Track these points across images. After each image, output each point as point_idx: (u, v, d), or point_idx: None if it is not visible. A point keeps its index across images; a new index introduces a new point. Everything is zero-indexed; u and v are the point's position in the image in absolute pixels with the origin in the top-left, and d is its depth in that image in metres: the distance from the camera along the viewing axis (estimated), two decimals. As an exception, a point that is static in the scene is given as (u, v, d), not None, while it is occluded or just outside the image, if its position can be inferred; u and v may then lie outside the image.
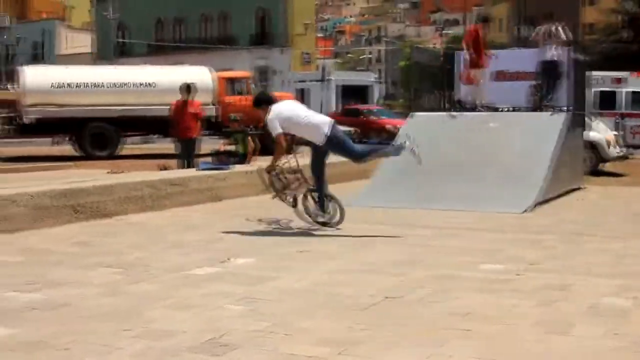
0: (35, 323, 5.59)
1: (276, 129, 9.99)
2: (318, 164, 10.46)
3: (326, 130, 10.06)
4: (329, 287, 6.74)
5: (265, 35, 77.26)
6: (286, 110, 10.28)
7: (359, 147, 11.24)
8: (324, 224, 10.30)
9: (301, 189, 10.56)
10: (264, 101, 10.60)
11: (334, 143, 10.17)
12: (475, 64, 16.55)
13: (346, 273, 7.36)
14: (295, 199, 10.48)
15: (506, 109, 16.83)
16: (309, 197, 10.53)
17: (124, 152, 27.06)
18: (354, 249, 8.76)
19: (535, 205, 12.56)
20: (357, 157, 10.75)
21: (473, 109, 16.63)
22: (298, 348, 5.00)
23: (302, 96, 56.46)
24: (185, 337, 5.23)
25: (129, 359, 4.82)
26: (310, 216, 10.45)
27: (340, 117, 34.72)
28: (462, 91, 17.27)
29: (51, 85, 25.84)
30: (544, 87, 16.11)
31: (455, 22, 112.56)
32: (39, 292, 6.54)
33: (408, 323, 5.56)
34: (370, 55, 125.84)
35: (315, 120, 10.27)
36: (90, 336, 5.24)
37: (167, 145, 27.88)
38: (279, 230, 10.31)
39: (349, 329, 5.42)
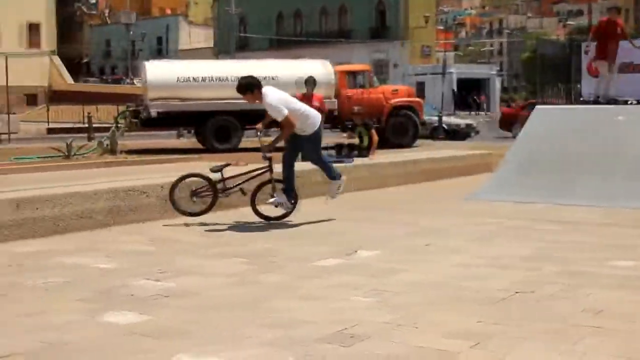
0: (167, 310, 5.72)
1: (283, 110, 9.87)
2: (294, 156, 10.58)
3: (318, 124, 10.15)
4: (456, 280, 6.68)
5: (384, 29, 77.17)
6: (282, 95, 10.24)
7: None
8: (281, 217, 10.32)
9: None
10: (256, 86, 10.12)
11: (315, 140, 10.25)
12: (600, 56, 16.16)
13: (473, 267, 7.29)
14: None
15: (635, 102, 16.37)
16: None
17: (244, 145, 27.40)
18: (480, 243, 8.66)
19: (665, 200, 12.17)
20: (324, 162, 10.80)
21: (597, 102, 16.24)
22: (428, 340, 4.97)
23: (421, 89, 56.28)
24: (313, 327, 5.27)
25: (259, 347, 4.87)
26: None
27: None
28: (587, 84, 16.88)
29: (176, 80, 26.31)
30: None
31: (579, 13, 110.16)
32: (170, 281, 6.69)
33: (539, 319, 5.46)
34: (491, 48, 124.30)
35: (312, 112, 10.32)
36: (220, 325, 5.34)
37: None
38: (402, 223, 10.26)
39: (479, 323, 5.36)
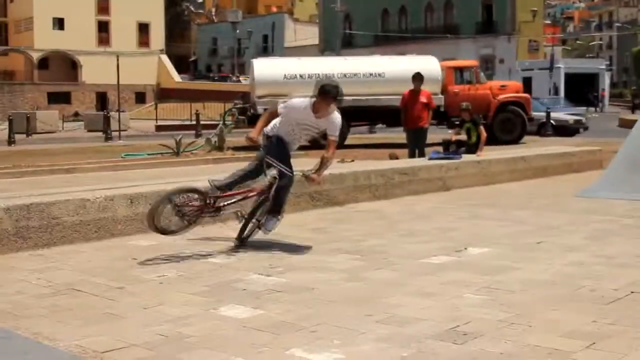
0: (280, 305, 5.78)
1: None
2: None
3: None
4: (570, 279, 6.57)
5: (490, 23, 76.32)
6: None
7: None
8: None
9: None
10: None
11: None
12: None
13: (587, 266, 7.15)
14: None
15: None
16: None
17: (352, 142, 27.47)
18: (594, 241, 8.48)
19: None
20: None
21: None
22: (543, 339, 4.90)
23: (528, 85, 55.49)
24: (426, 324, 5.25)
25: (373, 343, 4.89)
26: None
27: None
28: None
29: (283, 77, 26.55)
30: None
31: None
32: (282, 276, 6.76)
33: (658, 319, 5.34)
34: (600, 42, 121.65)
35: None
36: (334, 320, 5.37)
37: (394, 135, 28.13)
38: (512, 220, 10.12)
39: (594, 323, 5.26)
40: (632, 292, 6.08)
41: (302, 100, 8.49)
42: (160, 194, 8.23)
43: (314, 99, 8.32)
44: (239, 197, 8.23)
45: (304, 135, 8.67)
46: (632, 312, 5.54)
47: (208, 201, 7.99)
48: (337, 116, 8.52)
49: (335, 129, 8.46)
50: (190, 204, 7.91)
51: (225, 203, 8.13)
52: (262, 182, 8.39)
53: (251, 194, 8.31)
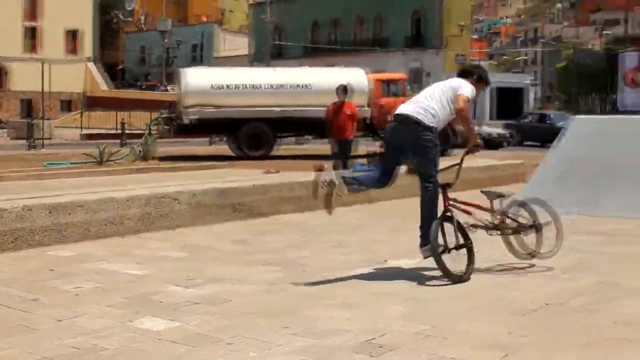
0: (197, 317, 5.73)
1: None
2: None
3: None
4: (490, 290, 6.64)
5: (419, 37, 77.08)
6: None
7: None
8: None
9: None
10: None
11: None
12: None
13: (508, 277, 7.24)
14: None
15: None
16: None
17: (279, 153, 27.45)
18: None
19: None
20: None
21: (636, 112, 16.17)
22: (458, 351, 4.93)
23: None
24: (344, 336, 5.25)
25: (289, 355, 4.87)
26: None
27: None
28: (625, 94, 16.77)
29: (211, 87, 26.42)
30: None
31: (616, 23, 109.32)
32: (201, 288, 6.70)
33: (569, 331, 5.41)
34: (526, 57, 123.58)
35: None
36: (251, 332, 5.33)
37: (321, 146, 28.17)
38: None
39: (509, 334, 5.31)
40: (546, 304, 6.16)
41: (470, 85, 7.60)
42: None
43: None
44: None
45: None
46: (546, 323, 5.61)
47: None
48: None
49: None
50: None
51: None
52: None
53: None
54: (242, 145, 26.56)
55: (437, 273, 7.25)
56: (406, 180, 13.29)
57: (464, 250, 7.27)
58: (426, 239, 7.23)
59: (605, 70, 17.12)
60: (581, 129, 14.65)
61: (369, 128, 26.57)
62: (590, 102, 16.77)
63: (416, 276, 7.21)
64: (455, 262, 7.13)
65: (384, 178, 7.62)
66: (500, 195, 7.96)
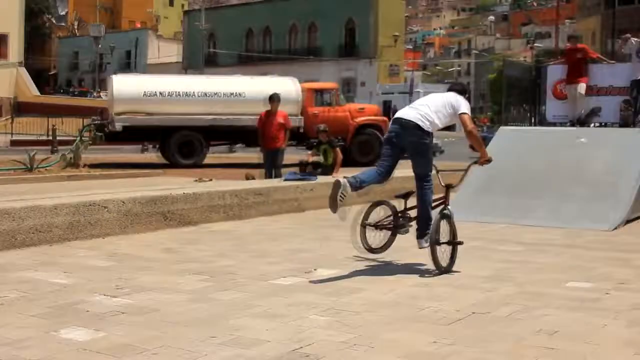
0: (123, 327, 5.69)
1: None
2: None
3: None
4: (414, 300, 6.70)
5: (352, 47, 77.58)
6: None
7: None
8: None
9: None
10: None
11: None
12: (566, 79, 16.58)
13: (432, 287, 7.32)
14: None
15: (597, 125, 16.58)
16: None
17: (210, 161, 27.38)
18: (440, 263, 8.68)
19: (624, 223, 12.31)
20: None
21: (562, 124, 16.51)
22: (383, 361, 4.98)
23: (387, 108, 56.54)
24: (269, 346, 5.26)
25: (215, 366, 4.87)
26: None
27: None
28: (552, 106, 17.09)
29: (143, 94, 26.28)
30: (637, 103, 15.78)
31: (547, 35, 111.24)
32: (127, 297, 6.66)
33: (494, 339, 5.50)
34: (458, 68, 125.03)
35: None
36: (177, 342, 5.31)
37: (252, 155, 28.16)
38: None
39: (434, 343, 5.38)
40: (472, 313, 6.25)
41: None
42: None
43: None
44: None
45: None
46: (472, 332, 5.69)
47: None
48: None
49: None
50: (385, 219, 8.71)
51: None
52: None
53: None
54: (174, 153, 26.48)
55: (361, 283, 7.33)
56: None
57: (449, 247, 8.16)
58: (424, 231, 8.16)
59: (534, 82, 17.43)
60: (507, 139, 14.90)
61: (301, 137, 26.66)
62: (522, 112, 17.03)
63: (340, 286, 7.26)
64: (442, 255, 8.03)
65: (385, 175, 8.27)
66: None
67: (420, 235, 8.22)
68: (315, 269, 8.10)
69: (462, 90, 8.68)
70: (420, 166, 8.39)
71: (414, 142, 8.20)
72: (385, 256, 8.95)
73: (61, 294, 6.76)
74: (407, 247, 9.77)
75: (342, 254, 9.18)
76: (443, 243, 8.07)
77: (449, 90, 8.67)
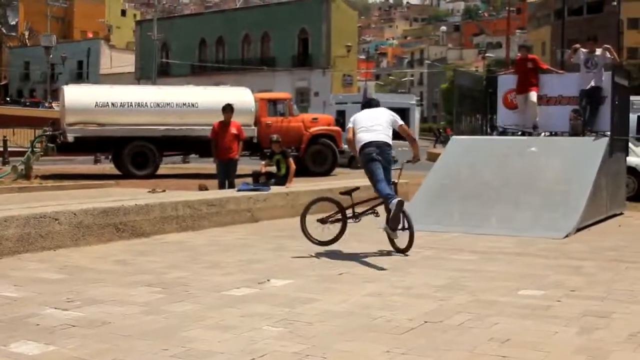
0: (75, 340, 5.63)
1: None
2: None
3: None
4: (368, 310, 6.71)
5: (306, 57, 77.63)
6: None
7: None
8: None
9: None
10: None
11: None
12: (516, 89, 16.76)
13: (386, 296, 7.33)
14: None
15: (547, 134, 16.76)
16: None
17: (164, 172, 27.26)
18: (394, 273, 8.72)
19: (575, 231, 12.45)
20: None
21: (513, 133, 16.69)
22: (336, 371, 4.98)
23: (342, 117, 56.65)
24: (222, 357, 5.24)
25: (167, 378, 4.84)
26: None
27: None
28: (503, 115, 17.25)
29: (95, 105, 26.09)
30: (586, 112, 15.98)
31: (498, 45, 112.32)
32: (79, 310, 6.60)
33: (447, 348, 5.52)
34: (411, 78, 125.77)
35: None
36: (129, 355, 5.27)
37: (206, 165, 28.08)
38: (316, 252, 10.27)
39: (387, 353, 5.39)
40: (425, 322, 6.28)
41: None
42: None
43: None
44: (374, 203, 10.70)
45: None
46: (424, 341, 5.71)
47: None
48: None
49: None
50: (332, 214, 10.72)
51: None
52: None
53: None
54: (127, 164, 26.32)
55: (314, 294, 7.35)
56: (284, 201, 13.44)
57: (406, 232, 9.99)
58: (396, 226, 9.97)
59: (486, 92, 17.58)
60: (459, 149, 15.02)
61: (255, 147, 26.63)
62: (474, 122, 17.15)
63: (294, 296, 7.26)
64: (399, 239, 10.04)
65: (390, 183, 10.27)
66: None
67: (393, 228, 9.96)
68: (268, 280, 8.09)
69: (379, 104, 10.88)
70: (390, 174, 10.27)
71: (388, 157, 10.17)
72: (339, 266, 8.98)
73: (11, 307, 6.68)
74: (360, 255, 9.84)
75: (296, 265, 9.19)
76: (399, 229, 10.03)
77: (376, 106, 10.76)
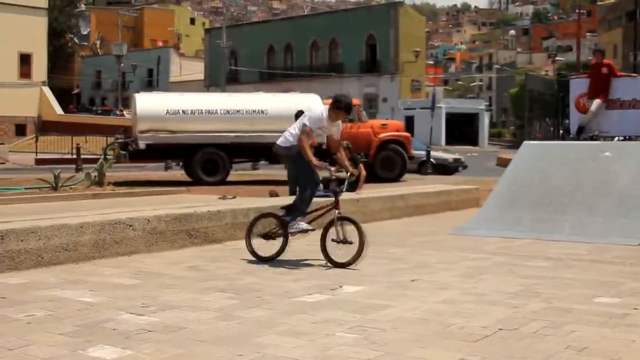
0: (150, 345, 5.69)
1: None
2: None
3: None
4: (441, 317, 6.67)
5: (374, 63, 77.69)
6: None
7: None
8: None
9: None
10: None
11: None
12: (589, 94, 16.52)
13: (459, 303, 7.28)
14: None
15: (621, 138, 16.50)
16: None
17: (234, 178, 27.44)
18: (467, 279, 8.66)
19: (651, 237, 12.21)
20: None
21: (585, 138, 16.46)
22: (411, 378, 4.96)
23: (411, 123, 56.53)
24: (298, 363, 5.26)
25: (243, 384, 4.86)
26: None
27: None
28: (576, 120, 17.02)
29: (166, 112, 26.38)
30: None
31: (568, 49, 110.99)
32: (154, 315, 6.67)
33: (522, 356, 5.46)
34: (480, 83, 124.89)
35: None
36: (205, 360, 5.32)
37: (276, 172, 28.20)
38: (389, 258, 10.26)
39: (462, 360, 5.36)
40: (500, 329, 6.22)
41: (320, 111, 9.97)
42: None
43: (328, 108, 9.84)
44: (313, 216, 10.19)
45: (317, 137, 10.16)
46: (499, 348, 5.65)
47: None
48: (339, 122, 10.11)
49: (339, 131, 10.24)
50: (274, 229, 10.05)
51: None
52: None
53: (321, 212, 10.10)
54: (198, 171, 26.54)
55: (387, 300, 7.33)
56: (355, 207, 13.42)
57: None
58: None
59: (557, 96, 17.33)
60: (532, 154, 14.85)
61: (325, 153, 26.64)
62: (545, 126, 16.96)
63: (367, 303, 7.24)
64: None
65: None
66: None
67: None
68: (341, 286, 8.09)
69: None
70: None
71: None
72: (411, 272, 8.95)
73: (88, 312, 6.78)
74: (432, 263, 9.78)
75: (368, 271, 9.17)
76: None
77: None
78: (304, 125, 9.67)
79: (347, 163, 10.23)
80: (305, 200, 9.98)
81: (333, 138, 10.17)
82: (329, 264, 9.47)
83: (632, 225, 12.39)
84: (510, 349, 5.63)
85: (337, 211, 9.71)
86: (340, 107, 9.75)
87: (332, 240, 9.48)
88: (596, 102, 16.27)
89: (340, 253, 9.40)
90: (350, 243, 9.35)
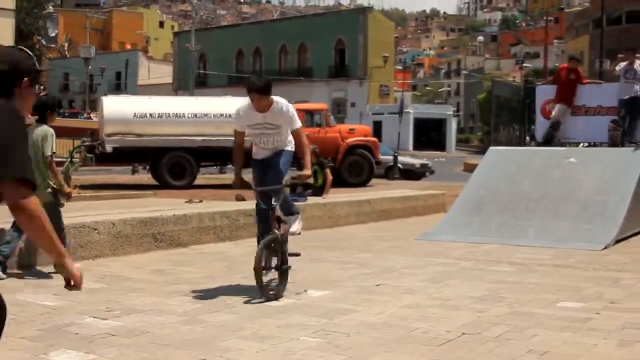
0: (114, 349, 5.67)
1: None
2: None
3: None
4: (406, 321, 6.69)
5: (343, 68, 77.75)
6: None
7: None
8: None
9: None
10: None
11: None
12: (555, 99, 16.64)
13: (424, 308, 7.31)
14: None
15: (586, 145, 16.65)
16: None
17: (201, 182, 27.36)
18: (432, 284, 8.69)
19: (614, 242, 12.33)
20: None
21: (547, 143, 16.57)
22: (374, 382, 4.97)
23: (379, 128, 56.68)
24: (261, 368, 5.25)
25: (206, 388, 4.85)
26: None
27: None
28: (542, 126, 17.14)
29: (133, 115, 26.26)
30: (625, 122, 15.84)
31: (536, 56, 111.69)
32: (118, 319, 6.64)
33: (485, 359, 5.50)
34: (448, 88, 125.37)
35: None
36: (167, 364, 5.30)
37: (243, 176, 28.11)
38: (354, 263, 10.28)
39: (425, 364, 5.38)
40: (463, 334, 6.24)
41: (243, 104, 8.18)
42: None
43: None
44: None
45: (266, 140, 8.28)
46: (462, 352, 5.68)
47: None
48: (281, 105, 8.08)
49: (290, 120, 8.12)
50: None
51: None
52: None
53: None
54: (165, 175, 26.44)
55: (352, 305, 7.34)
56: (321, 211, 13.43)
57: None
58: None
59: (523, 102, 17.44)
60: (497, 160, 14.95)
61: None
62: (511, 132, 17.05)
63: (332, 307, 7.25)
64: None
65: None
66: None
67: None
68: (306, 290, 8.09)
69: None
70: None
71: None
72: (376, 277, 8.97)
73: (51, 316, 6.75)
74: (397, 268, 9.81)
75: (334, 275, 9.18)
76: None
77: None
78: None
79: (308, 162, 8.38)
80: (287, 202, 8.86)
81: (297, 133, 8.31)
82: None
83: (594, 230, 12.51)
84: (474, 353, 5.67)
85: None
86: (248, 89, 7.93)
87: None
88: (560, 107, 16.38)
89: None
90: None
